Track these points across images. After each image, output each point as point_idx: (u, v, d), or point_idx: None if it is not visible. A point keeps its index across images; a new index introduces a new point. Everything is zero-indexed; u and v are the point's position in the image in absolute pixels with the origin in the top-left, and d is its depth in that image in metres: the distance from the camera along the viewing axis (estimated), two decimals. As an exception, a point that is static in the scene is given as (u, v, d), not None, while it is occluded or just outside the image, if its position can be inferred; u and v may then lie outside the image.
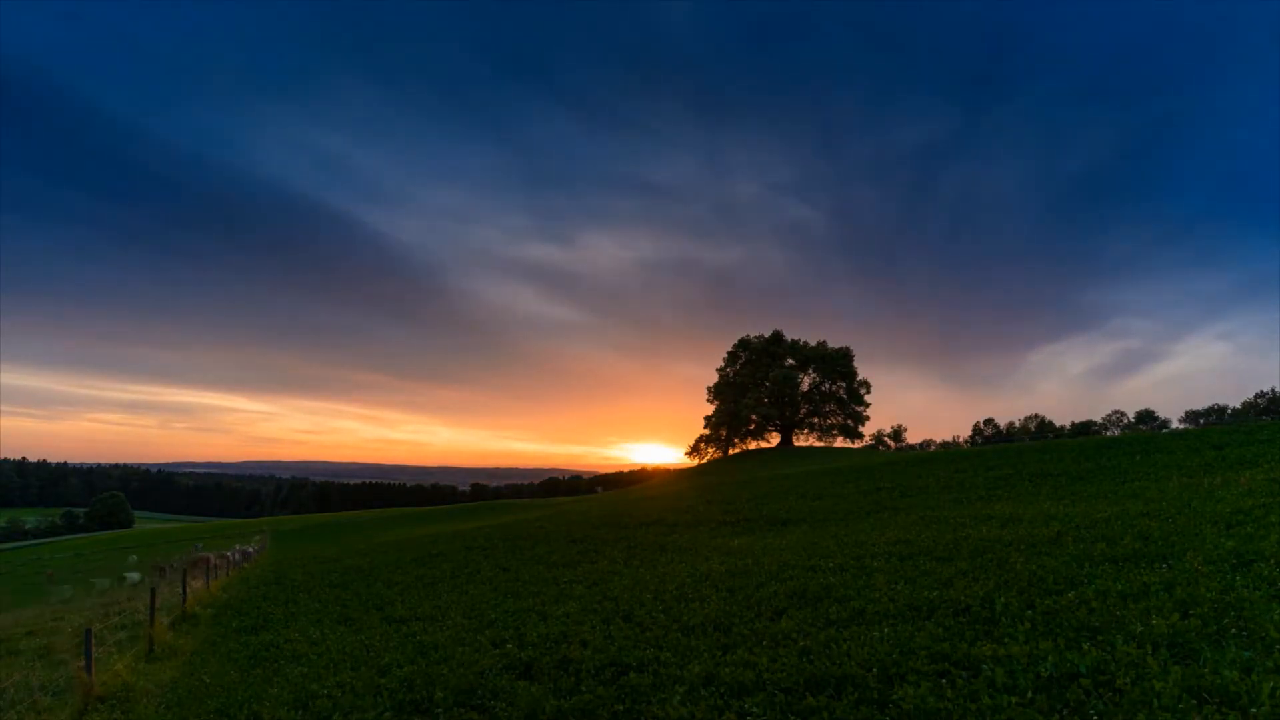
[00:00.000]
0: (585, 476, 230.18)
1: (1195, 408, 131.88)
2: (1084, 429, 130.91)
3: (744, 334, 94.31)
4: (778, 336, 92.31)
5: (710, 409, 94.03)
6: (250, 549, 34.39)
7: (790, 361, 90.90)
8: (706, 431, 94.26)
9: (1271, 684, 4.55)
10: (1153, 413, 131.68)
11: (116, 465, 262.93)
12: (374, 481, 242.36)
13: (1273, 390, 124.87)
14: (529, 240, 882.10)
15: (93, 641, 9.37)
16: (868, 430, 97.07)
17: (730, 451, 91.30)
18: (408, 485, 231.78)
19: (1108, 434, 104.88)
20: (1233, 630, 5.70)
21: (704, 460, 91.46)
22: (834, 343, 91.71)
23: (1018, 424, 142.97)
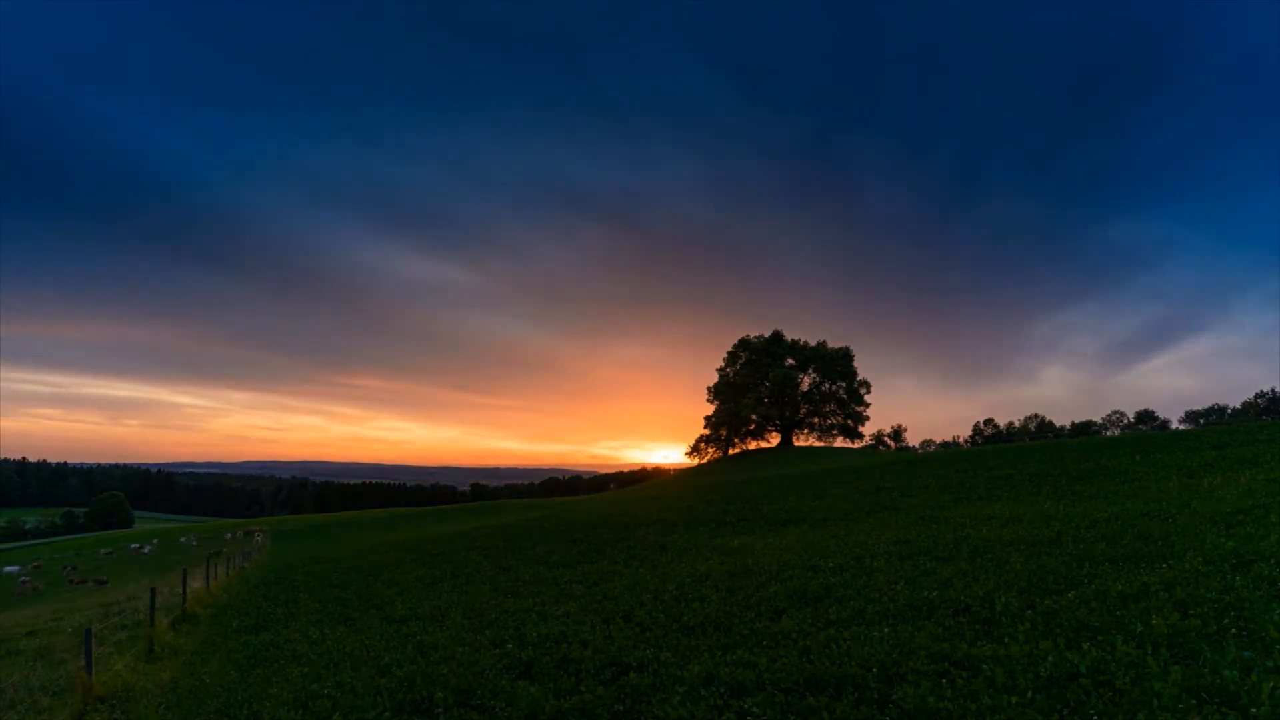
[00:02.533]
0: (585, 476, 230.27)
1: (1195, 407, 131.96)
2: (1084, 429, 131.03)
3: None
4: (777, 336, 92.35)
5: (710, 409, 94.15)
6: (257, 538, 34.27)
7: (790, 361, 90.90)
8: (706, 431, 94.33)
9: (1271, 684, 4.55)
10: (1153, 413, 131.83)
11: (117, 465, 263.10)
12: (374, 481, 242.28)
13: (1273, 390, 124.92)
14: (328, 141, 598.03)
15: (93, 641, 9.36)
16: (868, 430, 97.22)
17: (730, 451, 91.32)
18: (408, 485, 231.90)
19: (1108, 434, 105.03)
20: (1233, 630, 5.70)
21: (704, 460, 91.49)
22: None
23: (1018, 424, 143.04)
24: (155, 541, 60.82)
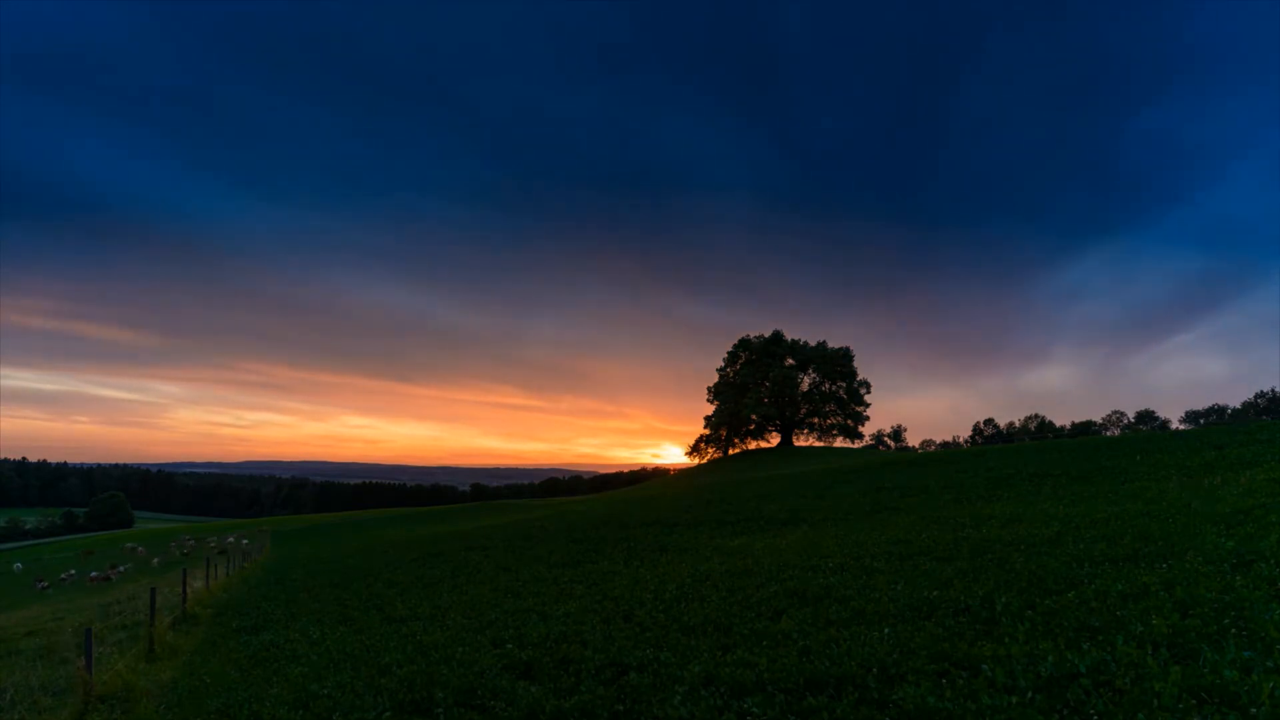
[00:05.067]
0: (585, 476, 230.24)
1: (1195, 407, 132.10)
2: (1084, 429, 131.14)
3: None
4: (778, 336, 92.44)
5: (710, 409, 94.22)
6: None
7: (790, 361, 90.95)
8: (707, 431, 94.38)
9: (1271, 684, 4.55)
10: (1153, 413, 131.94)
11: (117, 465, 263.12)
12: (374, 482, 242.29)
13: (1273, 390, 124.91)
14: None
15: (93, 641, 9.36)
16: (867, 430, 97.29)
17: (730, 451, 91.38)
18: (408, 485, 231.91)
19: (1108, 434, 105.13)
20: (1233, 630, 5.70)
21: (704, 460, 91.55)
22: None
23: (1018, 424, 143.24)
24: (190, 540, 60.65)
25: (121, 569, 36.52)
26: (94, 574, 38.44)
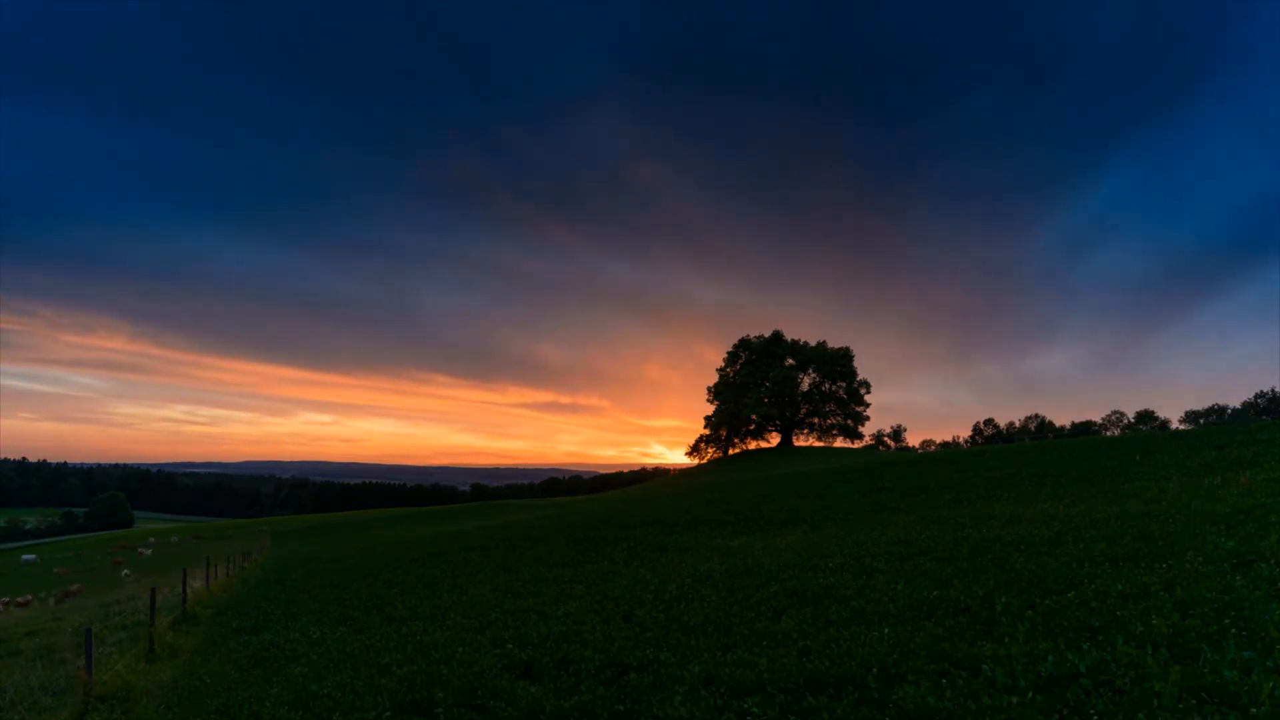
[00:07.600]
0: (585, 476, 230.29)
1: (1195, 408, 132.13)
2: (1084, 429, 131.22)
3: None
4: (778, 336, 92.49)
5: (710, 409, 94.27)
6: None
7: (790, 361, 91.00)
8: (707, 431, 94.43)
9: (1271, 684, 4.54)
10: (1153, 413, 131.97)
11: (117, 465, 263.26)
12: (374, 482, 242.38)
13: (1273, 390, 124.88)
14: None
15: (93, 641, 9.36)
16: (867, 430, 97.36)
17: (730, 451, 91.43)
18: (408, 485, 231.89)
19: (1108, 434, 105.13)
20: (1233, 630, 5.69)
21: (704, 460, 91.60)
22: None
23: (1018, 424, 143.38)
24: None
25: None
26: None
